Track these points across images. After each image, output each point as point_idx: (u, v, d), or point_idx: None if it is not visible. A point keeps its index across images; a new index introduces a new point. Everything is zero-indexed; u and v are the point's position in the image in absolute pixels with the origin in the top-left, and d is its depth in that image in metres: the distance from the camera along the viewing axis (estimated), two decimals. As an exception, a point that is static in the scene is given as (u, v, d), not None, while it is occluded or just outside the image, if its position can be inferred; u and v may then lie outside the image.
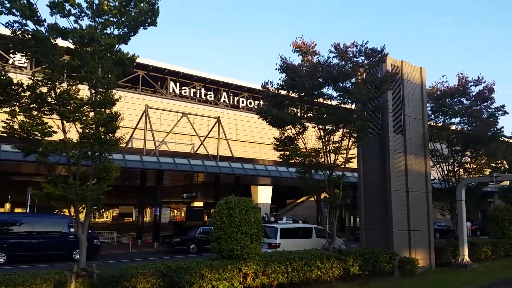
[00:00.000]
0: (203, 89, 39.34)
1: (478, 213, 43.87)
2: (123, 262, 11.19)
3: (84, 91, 9.80)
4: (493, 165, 24.54)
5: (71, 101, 9.13)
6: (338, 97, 14.05)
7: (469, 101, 19.79)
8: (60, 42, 9.35)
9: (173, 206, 53.82)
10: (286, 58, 13.62)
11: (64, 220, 18.17)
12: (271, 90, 14.10)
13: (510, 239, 20.28)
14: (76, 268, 8.67)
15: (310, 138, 14.39)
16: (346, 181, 18.35)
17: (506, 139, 27.13)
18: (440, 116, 19.80)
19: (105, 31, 9.41)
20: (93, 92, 9.50)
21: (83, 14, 9.17)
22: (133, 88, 36.36)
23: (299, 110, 15.64)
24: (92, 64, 9.06)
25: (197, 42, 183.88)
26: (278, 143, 14.55)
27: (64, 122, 9.35)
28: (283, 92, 14.17)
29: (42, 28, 8.81)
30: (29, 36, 8.72)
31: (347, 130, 13.94)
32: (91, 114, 9.48)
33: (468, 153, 20.37)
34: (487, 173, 21.41)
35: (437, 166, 20.01)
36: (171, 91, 37.48)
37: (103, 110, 9.55)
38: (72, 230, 17.83)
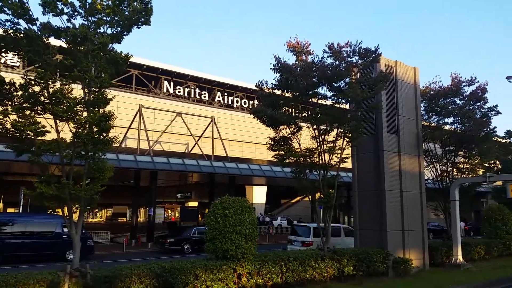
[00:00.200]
0: (197, 88, 39.29)
1: (472, 213, 44.14)
2: (117, 262, 11.13)
3: (77, 90, 9.73)
4: (486, 165, 24.69)
5: (64, 101, 9.05)
6: (332, 97, 14.05)
7: (462, 101, 19.89)
8: (53, 41, 9.29)
9: (167, 206, 53.76)
10: (280, 58, 13.58)
11: (58, 220, 18.07)
12: (266, 90, 14.07)
13: (503, 239, 20.36)
14: (70, 269, 8.62)
15: (305, 138, 14.39)
16: (340, 181, 18.41)
17: (499, 139, 27.40)
18: (434, 116, 19.90)
19: (98, 30, 9.36)
20: (86, 91, 9.45)
21: (76, 13, 9.12)
22: (126, 87, 36.22)
23: (293, 110, 15.65)
24: (85, 63, 9.02)
25: (193, 41, 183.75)
26: (272, 143, 14.52)
27: (57, 121, 9.29)
28: (278, 92, 14.14)
29: (35, 27, 8.75)
30: (21, 35, 8.65)
31: (341, 130, 13.95)
32: (85, 113, 9.43)
33: (461, 153, 20.45)
34: (481, 173, 21.51)
35: (431, 166, 20.09)
36: (165, 90, 37.40)
37: (96, 109, 9.50)
38: (65, 230, 17.72)
